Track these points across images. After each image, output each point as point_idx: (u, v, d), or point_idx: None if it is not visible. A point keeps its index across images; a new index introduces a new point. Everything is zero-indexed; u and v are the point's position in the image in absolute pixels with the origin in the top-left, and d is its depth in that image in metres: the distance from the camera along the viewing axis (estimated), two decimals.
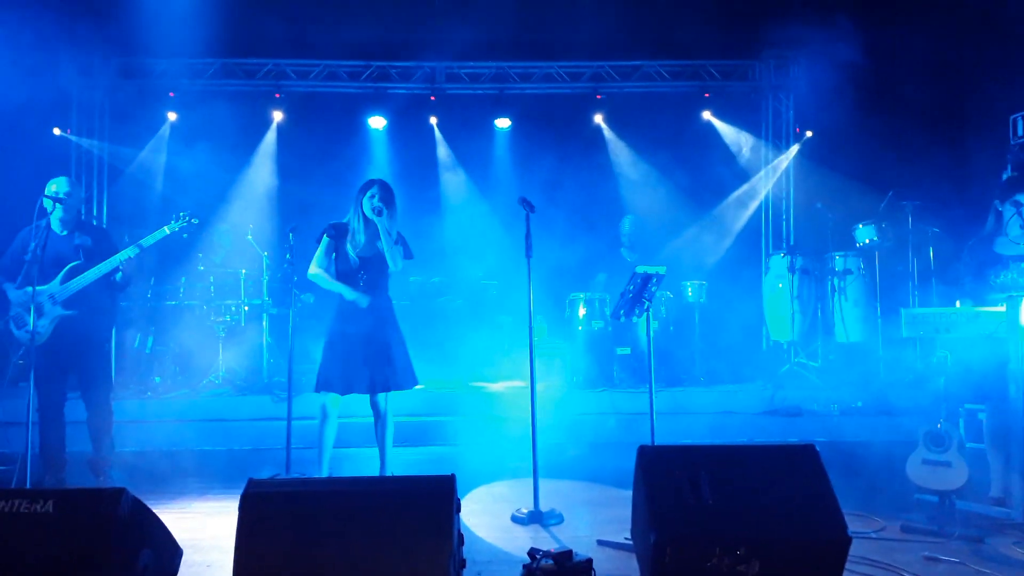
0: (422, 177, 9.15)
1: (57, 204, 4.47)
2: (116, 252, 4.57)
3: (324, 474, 4.31)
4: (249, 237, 7.65)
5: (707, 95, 9.08)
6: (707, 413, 6.60)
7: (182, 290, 7.51)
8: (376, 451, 4.49)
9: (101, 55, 8.37)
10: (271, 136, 9.05)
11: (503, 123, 9.15)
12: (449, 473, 2.74)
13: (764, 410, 6.63)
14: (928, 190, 7.25)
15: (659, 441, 3.85)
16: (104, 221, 8.69)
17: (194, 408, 6.68)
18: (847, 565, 2.71)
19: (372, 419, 4.46)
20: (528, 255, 4.18)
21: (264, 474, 4.55)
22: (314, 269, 4.39)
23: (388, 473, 4.41)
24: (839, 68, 7.33)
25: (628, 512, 3.18)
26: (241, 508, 2.56)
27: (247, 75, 8.80)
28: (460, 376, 7.66)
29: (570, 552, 3.05)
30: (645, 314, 4.20)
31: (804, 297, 7.54)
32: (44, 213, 4.48)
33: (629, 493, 3.10)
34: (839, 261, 7.50)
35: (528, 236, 4.17)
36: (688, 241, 8.95)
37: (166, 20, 7.45)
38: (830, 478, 2.84)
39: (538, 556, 3.04)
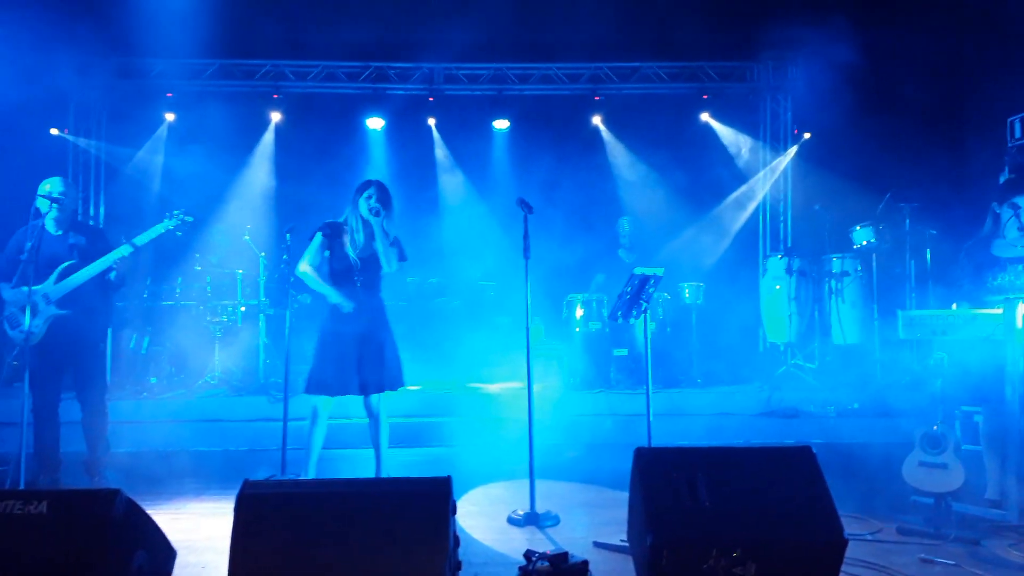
0: (420, 178, 9.15)
1: (52, 204, 4.47)
2: (111, 252, 4.56)
3: (312, 475, 4.30)
4: (246, 238, 7.63)
5: (705, 97, 9.10)
6: (704, 415, 6.60)
7: (178, 290, 7.50)
8: (372, 452, 4.48)
9: (99, 55, 8.34)
10: (269, 137, 9.04)
11: (501, 124, 9.15)
12: (445, 474, 2.73)
13: (761, 412, 6.63)
14: (926, 192, 7.25)
15: (656, 442, 3.85)
16: (101, 221, 8.69)
17: (190, 409, 6.66)
18: (843, 567, 2.71)
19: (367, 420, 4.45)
20: (526, 256, 4.17)
21: (260, 475, 4.55)
22: (304, 267, 4.34)
23: (384, 474, 4.40)
24: (837, 70, 7.34)
25: (625, 514, 3.17)
26: (237, 509, 2.55)
27: (245, 76, 8.80)
28: (457, 377, 7.65)
29: (566, 554, 3.05)
30: (643, 315, 4.19)
31: (801, 299, 7.54)
32: (40, 213, 4.47)
33: (626, 495, 3.10)
34: (836, 263, 7.50)
35: (526, 237, 4.17)
36: (686, 242, 8.96)
37: (164, 20, 7.45)
38: (826, 480, 2.84)
39: (534, 558, 3.04)
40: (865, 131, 7.77)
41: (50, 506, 2.50)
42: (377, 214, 4.33)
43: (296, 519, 2.55)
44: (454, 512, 2.70)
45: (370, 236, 4.37)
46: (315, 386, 4.29)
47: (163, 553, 2.79)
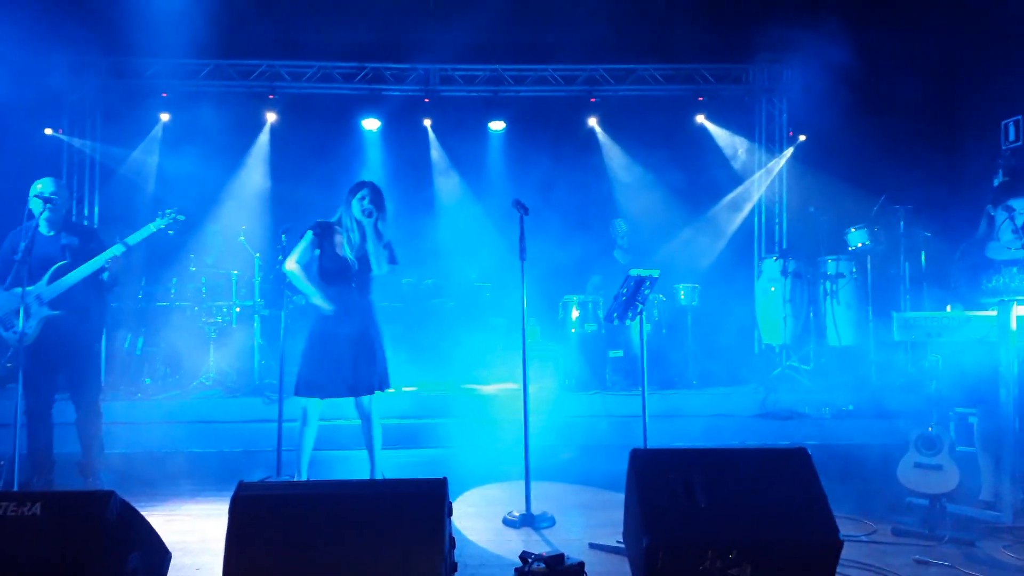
0: (416, 179, 9.15)
1: (45, 204, 4.44)
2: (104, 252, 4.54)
3: (304, 477, 4.29)
4: (241, 238, 7.62)
5: (701, 98, 9.11)
6: (699, 416, 6.60)
7: (173, 291, 7.47)
8: (366, 454, 4.47)
9: (93, 55, 8.32)
10: (264, 137, 9.02)
11: (497, 125, 9.16)
12: (441, 476, 2.73)
13: (756, 413, 6.64)
14: (921, 194, 7.28)
15: (652, 444, 3.85)
16: (95, 221, 8.65)
17: (184, 410, 6.63)
18: (838, 568, 2.72)
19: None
20: (522, 257, 4.17)
21: (255, 476, 4.52)
22: (291, 265, 4.29)
23: (379, 476, 4.40)
24: (832, 72, 7.36)
25: (620, 515, 3.17)
26: (231, 511, 2.55)
27: (241, 76, 8.78)
28: (453, 378, 7.64)
29: (562, 555, 3.04)
30: (638, 317, 4.20)
31: (796, 300, 7.56)
32: (34, 215, 4.45)
33: (621, 496, 3.09)
34: (831, 265, 7.52)
35: (522, 238, 4.16)
36: (681, 244, 8.97)
37: (159, 20, 7.42)
38: (822, 481, 2.85)
39: (530, 559, 3.04)
40: (860, 133, 7.80)
41: (44, 508, 2.49)
42: (370, 215, 4.32)
43: (291, 521, 2.54)
44: (450, 513, 2.70)
45: (362, 237, 4.36)
46: (305, 388, 4.26)
47: (158, 555, 2.77)
